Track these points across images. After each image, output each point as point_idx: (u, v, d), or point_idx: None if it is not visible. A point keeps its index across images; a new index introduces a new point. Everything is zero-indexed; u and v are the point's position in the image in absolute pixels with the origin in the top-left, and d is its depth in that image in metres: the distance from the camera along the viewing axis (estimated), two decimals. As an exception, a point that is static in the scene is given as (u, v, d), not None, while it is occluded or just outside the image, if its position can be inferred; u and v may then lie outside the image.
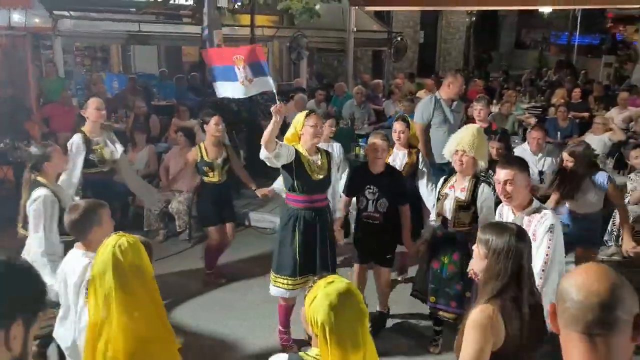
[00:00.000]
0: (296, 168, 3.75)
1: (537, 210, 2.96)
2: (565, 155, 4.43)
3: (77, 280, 2.63)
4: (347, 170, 5.26)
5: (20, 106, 8.41)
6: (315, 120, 3.79)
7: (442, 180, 3.94)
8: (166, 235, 6.22)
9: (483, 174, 3.92)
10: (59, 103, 8.28)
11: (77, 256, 2.73)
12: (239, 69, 3.76)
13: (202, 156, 4.92)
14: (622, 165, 6.91)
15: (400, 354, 4.13)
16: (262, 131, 5.30)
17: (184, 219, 6.12)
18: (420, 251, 4.07)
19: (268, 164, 3.73)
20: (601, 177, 4.29)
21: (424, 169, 4.76)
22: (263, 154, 3.62)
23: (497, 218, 3.28)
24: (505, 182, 2.96)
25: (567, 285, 1.28)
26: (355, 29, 12.38)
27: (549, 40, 24.86)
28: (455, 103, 5.76)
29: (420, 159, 4.79)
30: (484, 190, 3.62)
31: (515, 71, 20.61)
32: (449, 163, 5.65)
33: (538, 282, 2.68)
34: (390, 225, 4.16)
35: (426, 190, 4.67)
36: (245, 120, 8.53)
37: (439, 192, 3.87)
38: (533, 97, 12.25)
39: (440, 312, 3.85)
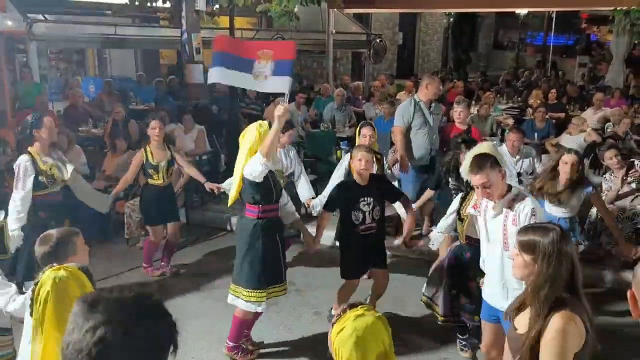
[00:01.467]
0: (272, 177, 3.75)
1: (516, 197, 2.98)
2: (570, 157, 4.46)
3: None
4: (302, 171, 5.22)
5: (-6, 112, 8.25)
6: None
7: (459, 199, 3.82)
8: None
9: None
10: (35, 108, 8.12)
11: None
12: (259, 62, 3.57)
13: (147, 158, 5.06)
14: (597, 165, 7.05)
15: (414, 352, 4.14)
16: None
17: (136, 230, 6.02)
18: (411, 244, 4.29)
19: (253, 178, 3.59)
20: (588, 186, 4.50)
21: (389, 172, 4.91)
22: (261, 164, 3.49)
23: (478, 210, 3.24)
24: (482, 186, 2.96)
25: None
26: (334, 31, 12.42)
27: (525, 41, 25.25)
28: (433, 105, 5.82)
29: (385, 165, 4.93)
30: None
31: (493, 72, 20.88)
32: (428, 166, 5.76)
33: None
34: (383, 228, 4.27)
35: None
36: (226, 124, 8.49)
37: (458, 212, 3.75)
38: (510, 98, 12.42)
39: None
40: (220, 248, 6.17)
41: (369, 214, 4.05)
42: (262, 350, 4.18)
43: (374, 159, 4.67)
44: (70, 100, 9.07)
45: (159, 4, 8.93)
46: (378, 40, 14.08)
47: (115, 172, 6.35)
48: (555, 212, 4.64)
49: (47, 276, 2.10)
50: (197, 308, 4.80)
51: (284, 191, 4.12)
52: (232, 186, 3.86)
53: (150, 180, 5.12)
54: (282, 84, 3.62)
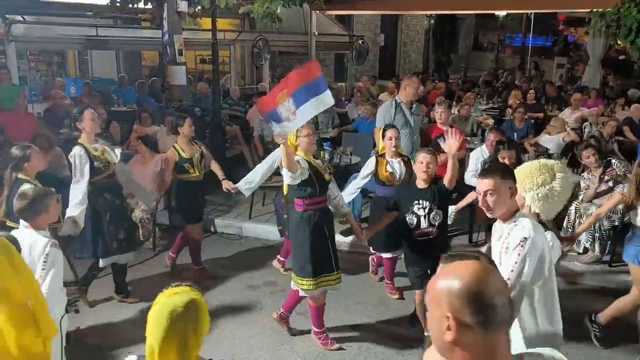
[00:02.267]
0: (314, 174, 3.99)
1: (518, 223, 2.62)
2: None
3: (38, 253, 3.00)
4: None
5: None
6: (307, 130, 4.03)
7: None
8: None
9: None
10: (14, 111, 8.02)
11: (32, 234, 3.07)
12: (283, 106, 3.61)
13: (180, 154, 5.10)
14: (575, 164, 7.19)
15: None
16: (226, 136, 5.38)
17: (148, 227, 6.05)
18: None
19: (290, 182, 3.99)
20: None
21: None
22: (289, 175, 3.86)
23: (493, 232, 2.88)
24: (485, 193, 2.63)
25: None
26: (316, 33, 12.45)
27: (505, 42, 25.60)
28: (414, 106, 5.90)
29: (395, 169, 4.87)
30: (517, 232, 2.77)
31: (473, 73, 21.15)
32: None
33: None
34: (444, 234, 4.15)
35: None
36: (209, 126, 8.48)
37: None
38: (490, 99, 12.60)
39: None
40: (203, 249, 6.16)
41: (425, 218, 3.95)
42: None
43: (403, 162, 4.83)
44: (51, 101, 8.97)
45: (141, 5, 8.88)
46: (360, 42, 14.18)
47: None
48: None
49: None
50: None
51: (333, 185, 4.27)
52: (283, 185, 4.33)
53: (185, 177, 5.12)
54: (318, 105, 3.67)
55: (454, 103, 10.20)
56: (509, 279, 2.45)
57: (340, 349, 4.21)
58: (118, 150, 4.89)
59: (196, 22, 9.87)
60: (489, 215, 2.72)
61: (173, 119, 5.50)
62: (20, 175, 3.99)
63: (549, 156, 6.95)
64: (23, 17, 9.36)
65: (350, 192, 5.06)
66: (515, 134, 8.01)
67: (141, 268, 5.65)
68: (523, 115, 8.31)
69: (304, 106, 3.60)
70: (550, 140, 7.47)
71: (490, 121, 9.30)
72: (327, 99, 3.70)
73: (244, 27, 14.33)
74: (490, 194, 2.61)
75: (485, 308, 1.29)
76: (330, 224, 4.18)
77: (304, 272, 4.03)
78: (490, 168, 2.90)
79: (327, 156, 6.84)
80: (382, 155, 4.86)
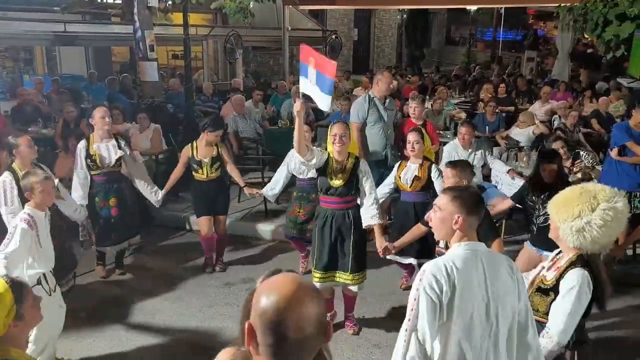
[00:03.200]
0: (321, 172, 4.08)
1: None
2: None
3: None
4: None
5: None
6: (334, 130, 4.01)
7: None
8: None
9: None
10: (-20, 108, 7.83)
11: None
12: (311, 67, 3.52)
13: (192, 155, 5.27)
14: (545, 156, 7.34)
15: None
16: (199, 132, 5.35)
17: None
18: None
19: (299, 174, 4.43)
20: None
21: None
22: (299, 160, 3.95)
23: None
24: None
25: None
26: (289, 28, 12.45)
27: (476, 36, 25.92)
28: (387, 100, 5.93)
29: (434, 171, 4.59)
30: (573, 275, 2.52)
31: (446, 67, 21.37)
32: (385, 160, 5.88)
33: None
34: None
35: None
36: (181, 122, 8.39)
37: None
38: (463, 93, 12.75)
39: None
40: (179, 247, 6.13)
41: None
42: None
43: (419, 165, 4.64)
44: (19, 99, 8.76)
45: (110, 0, 8.74)
46: (334, 37, 14.21)
47: (68, 174, 6.19)
48: None
49: None
50: (156, 307, 4.77)
51: (368, 192, 4.10)
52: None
53: (195, 175, 5.32)
54: (321, 100, 3.52)
55: (427, 97, 10.29)
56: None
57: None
58: (120, 153, 5.11)
59: (167, 18, 9.75)
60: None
61: (203, 123, 5.43)
62: (14, 164, 4.30)
63: (520, 149, 7.10)
64: (-12, 13, 9.12)
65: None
66: (487, 127, 8.13)
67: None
68: (494, 109, 8.44)
69: (315, 87, 3.51)
70: (520, 133, 7.61)
71: (463, 115, 9.40)
72: (325, 102, 3.50)
73: (216, 22, 14.23)
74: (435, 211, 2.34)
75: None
76: (344, 227, 4.08)
77: (314, 263, 4.20)
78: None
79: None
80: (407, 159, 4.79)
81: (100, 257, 5.38)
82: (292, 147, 7.06)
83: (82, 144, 5.07)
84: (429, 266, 2.12)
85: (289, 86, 10.27)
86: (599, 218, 2.44)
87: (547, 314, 2.53)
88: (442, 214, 2.26)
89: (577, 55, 16.68)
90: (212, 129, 5.22)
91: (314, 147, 4.06)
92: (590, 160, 6.26)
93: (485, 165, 5.94)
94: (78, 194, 4.99)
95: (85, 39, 10.83)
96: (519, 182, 5.33)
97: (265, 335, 1.25)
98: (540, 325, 2.49)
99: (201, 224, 5.45)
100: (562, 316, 2.44)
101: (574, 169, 5.88)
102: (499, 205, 4.79)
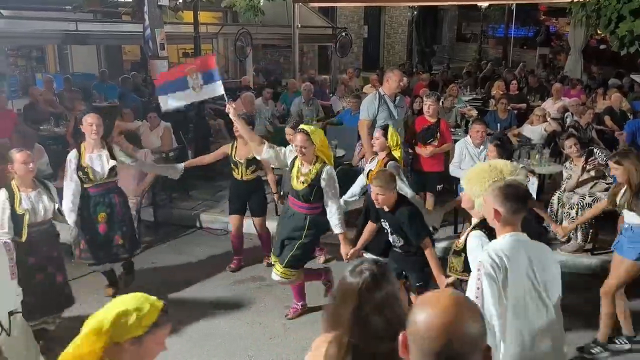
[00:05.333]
0: (287, 174, 4.28)
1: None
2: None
3: None
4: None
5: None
6: (295, 141, 4.11)
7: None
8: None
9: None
10: (-7, 107, 7.87)
11: None
12: (191, 77, 4.28)
13: (231, 154, 5.30)
14: (557, 154, 7.27)
15: None
16: (210, 131, 5.38)
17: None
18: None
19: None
20: None
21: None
22: (257, 156, 4.34)
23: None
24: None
25: None
26: (299, 25, 12.41)
27: (487, 33, 25.71)
28: (398, 98, 5.90)
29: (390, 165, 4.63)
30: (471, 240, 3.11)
31: (457, 64, 21.23)
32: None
33: None
34: (409, 256, 4.03)
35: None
36: (192, 121, 8.41)
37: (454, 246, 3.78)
38: (473, 90, 12.66)
39: None
40: (188, 245, 6.15)
41: (390, 234, 4.01)
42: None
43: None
44: (31, 97, 8.83)
45: (121, -1, 8.78)
46: (344, 34, 14.15)
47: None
48: None
49: None
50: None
51: (330, 201, 4.16)
52: None
53: (233, 173, 5.35)
54: (216, 89, 4.43)
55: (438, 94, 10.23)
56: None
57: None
58: (112, 163, 4.64)
59: (178, 16, 9.78)
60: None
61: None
62: (82, 144, 4.37)
63: (532, 147, 7.03)
64: (1, 12, 9.19)
65: (349, 196, 5.04)
66: (498, 124, 8.07)
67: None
68: (506, 106, 8.37)
69: (208, 85, 4.35)
70: (532, 130, 7.54)
71: (474, 112, 9.34)
72: (219, 87, 4.40)
73: (226, 20, 14.24)
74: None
75: None
76: (298, 227, 4.23)
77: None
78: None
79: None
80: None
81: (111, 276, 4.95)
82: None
83: (73, 154, 4.60)
84: (483, 257, 2.37)
85: (299, 84, 10.25)
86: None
87: (463, 271, 3.16)
88: (486, 207, 2.50)
89: (590, 51, 16.49)
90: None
91: (285, 149, 4.29)
92: (604, 158, 6.18)
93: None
94: (68, 206, 4.48)
95: (96, 38, 10.88)
96: (533, 180, 5.28)
97: (422, 353, 1.27)
98: (463, 282, 3.09)
99: (231, 222, 5.59)
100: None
101: (587, 166, 5.80)
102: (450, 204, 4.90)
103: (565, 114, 8.70)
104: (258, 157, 4.32)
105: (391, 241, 4.02)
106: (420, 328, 1.26)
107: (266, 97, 9.23)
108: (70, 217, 4.42)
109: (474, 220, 3.15)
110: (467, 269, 3.05)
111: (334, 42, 14.05)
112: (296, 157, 4.21)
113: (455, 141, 6.41)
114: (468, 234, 3.11)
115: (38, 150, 6.28)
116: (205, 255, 5.84)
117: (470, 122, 7.48)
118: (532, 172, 5.70)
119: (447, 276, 3.70)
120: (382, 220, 4.02)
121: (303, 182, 4.14)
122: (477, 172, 2.99)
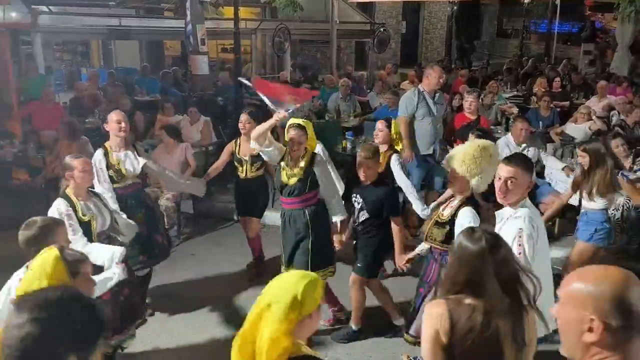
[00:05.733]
0: (278, 170, 4.04)
1: (516, 212, 2.84)
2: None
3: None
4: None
5: (0, 104, 8.29)
6: (291, 134, 3.95)
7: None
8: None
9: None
10: (41, 100, 8.17)
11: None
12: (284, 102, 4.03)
13: (235, 151, 5.11)
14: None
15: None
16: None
17: (173, 216, 6.12)
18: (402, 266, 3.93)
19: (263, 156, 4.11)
20: None
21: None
22: (252, 144, 3.95)
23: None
24: (507, 180, 2.81)
25: None
26: (338, 21, 12.40)
27: (529, 28, 25.08)
28: (437, 95, 5.83)
29: (393, 160, 4.61)
30: (465, 213, 3.29)
31: (497, 60, 20.80)
32: (433, 155, 5.79)
33: None
34: (369, 232, 4.06)
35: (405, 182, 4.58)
36: (231, 114, 8.52)
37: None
38: (515, 87, 12.39)
39: None
40: (228, 237, 6.24)
41: (357, 211, 4.05)
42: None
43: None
44: (76, 91, 9.11)
45: (164, -5, 8.97)
46: (382, 30, 14.06)
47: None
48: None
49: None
50: (203, 299, 4.87)
51: (324, 187, 4.05)
52: None
53: (238, 172, 5.15)
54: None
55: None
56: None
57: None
58: (142, 161, 4.49)
59: (218, 12, 9.91)
60: (500, 199, 2.87)
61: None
62: (105, 144, 4.24)
63: (575, 145, 6.84)
64: (49, 8, 9.50)
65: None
66: (540, 122, 7.88)
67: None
68: (549, 104, 8.17)
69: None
70: (576, 129, 7.34)
71: (515, 110, 9.13)
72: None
73: (265, 16, 14.34)
74: (511, 181, 2.79)
75: (631, 313, 1.36)
76: (302, 226, 4.01)
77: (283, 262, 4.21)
78: (515, 158, 2.99)
79: (349, 145, 6.83)
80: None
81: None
82: (338, 140, 7.10)
83: (99, 154, 4.36)
84: (524, 224, 2.73)
85: (336, 80, 10.25)
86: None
87: (442, 242, 3.35)
88: (522, 180, 2.81)
89: (637, 47, 15.90)
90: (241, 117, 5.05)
91: (275, 142, 4.02)
92: (652, 158, 5.96)
93: (538, 162, 5.76)
94: (113, 208, 4.06)
95: (139, 33, 11.13)
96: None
97: (620, 318, 1.36)
98: (437, 252, 3.41)
99: (243, 223, 5.36)
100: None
101: (635, 166, 5.61)
102: (553, 203, 4.74)
103: (611, 113, 8.42)
104: (258, 147, 3.93)
105: (356, 218, 4.06)
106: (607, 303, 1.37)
107: (304, 92, 9.26)
108: (121, 219, 4.01)
109: (458, 197, 3.36)
110: (447, 240, 3.25)
111: (371, 37, 13.98)
112: (285, 151, 4.02)
113: (495, 139, 6.30)
114: (457, 208, 3.30)
115: (83, 143, 6.49)
116: (244, 247, 5.87)
117: (511, 119, 7.33)
118: (573, 170, 5.54)
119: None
120: (353, 195, 4.06)
121: (295, 176, 3.98)
122: (469, 152, 3.22)
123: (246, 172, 5.06)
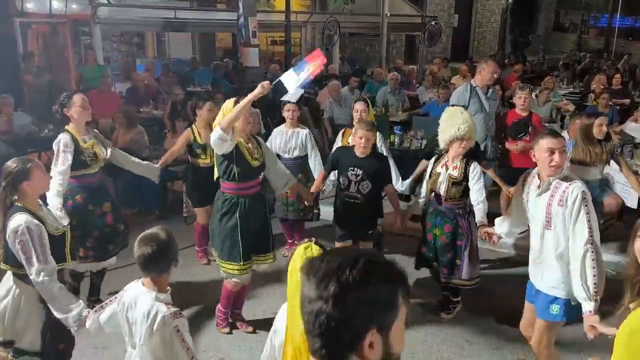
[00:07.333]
0: (236, 156, 3.73)
1: (565, 178, 2.95)
2: None
3: (148, 327, 2.33)
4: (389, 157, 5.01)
5: (60, 93, 8.63)
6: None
7: (433, 160, 4.23)
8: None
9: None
10: (99, 89, 8.47)
11: (148, 300, 2.37)
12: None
13: (194, 138, 4.91)
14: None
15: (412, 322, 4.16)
16: (298, 118, 5.44)
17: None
18: (406, 226, 4.39)
19: (214, 147, 3.67)
20: None
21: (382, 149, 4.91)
22: (217, 134, 3.52)
23: (523, 188, 3.21)
24: (558, 151, 2.92)
25: None
26: (388, 14, 12.28)
27: (588, 22, 24.12)
28: (490, 90, 5.70)
29: (379, 140, 4.85)
30: (475, 167, 3.97)
31: (552, 55, 20.13)
32: (484, 152, 5.67)
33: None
34: (370, 204, 4.25)
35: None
36: (279, 107, 8.60)
37: (430, 171, 4.17)
38: (571, 83, 11.96)
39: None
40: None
41: (355, 184, 4.17)
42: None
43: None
44: (133, 81, 9.39)
45: (217, -13, 9.11)
46: (433, 23, 13.84)
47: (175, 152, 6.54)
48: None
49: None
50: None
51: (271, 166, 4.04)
52: None
53: (198, 161, 4.96)
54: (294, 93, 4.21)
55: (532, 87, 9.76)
56: (590, 230, 2.82)
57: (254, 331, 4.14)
58: (109, 145, 4.29)
59: (270, 4, 10.00)
60: (554, 170, 2.93)
61: (191, 102, 5.26)
62: (67, 128, 3.82)
63: (635, 145, 6.55)
64: (108, 0, 9.82)
65: None
66: (598, 120, 7.58)
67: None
68: (607, 101, 7.84)
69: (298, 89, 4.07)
70: (636, 128, 7.03)
71: (571, 107, 8.82)
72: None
73: (315, 9, 14.36)
74: (562, 152, 2.94)
75: None
76: (262, 210, 3.95)
77: (229, 255, 3.84)
78: (555, 131, 3.23)
79: (397, 140, 6.77)
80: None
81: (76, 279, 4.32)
82: (386, 135, 7.03)
83: (66, 137, 3.92)
84: (585, 194, 2.87)
85: (385, 73, 10.17)
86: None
87: (461, 197, 4.00)
88: (565, 151, 2.99)
89: None
90: (201, 104, 4.94)
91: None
92: None
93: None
94: (57, 201, 3.65)
95: (192, 25, 11.37)
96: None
97: None
98: (457, 208, 4.05)
99: (200, 215, 5.12)
100: (483, 189, 3.95)
101: (700, 169, 5.33)
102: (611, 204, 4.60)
103: (676, 112, 8.01)
104: (225, 136, 3.53)
105: (355, 191, 4.16)
106: None
107: (352, 85, 9.23)
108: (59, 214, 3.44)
109: (458, 157, 3.96)
110: (464, 195, 3.98)
111: (422, 31, 13.78)
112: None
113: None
114: (465, 166, 3.95)
115: (139, 131, 6.70)
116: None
117: (567, 117, 7.09)
118: (636, 173, 5.30)
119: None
120: (351, 169, 4.14)
121: (258, 160, 3.86)
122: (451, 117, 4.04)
123: (210, 159, 4.79)
